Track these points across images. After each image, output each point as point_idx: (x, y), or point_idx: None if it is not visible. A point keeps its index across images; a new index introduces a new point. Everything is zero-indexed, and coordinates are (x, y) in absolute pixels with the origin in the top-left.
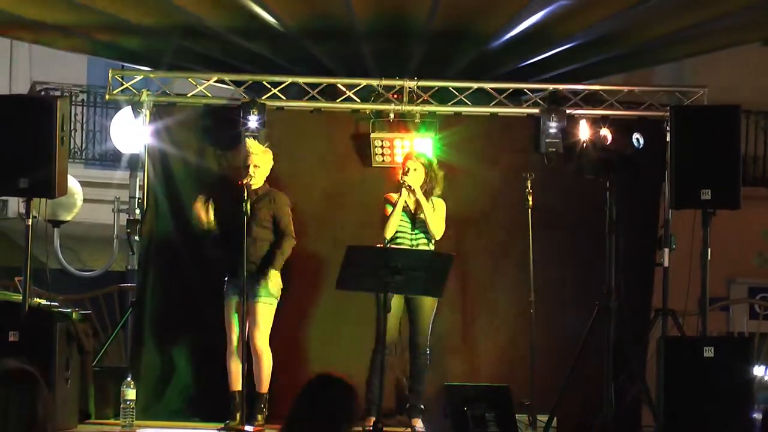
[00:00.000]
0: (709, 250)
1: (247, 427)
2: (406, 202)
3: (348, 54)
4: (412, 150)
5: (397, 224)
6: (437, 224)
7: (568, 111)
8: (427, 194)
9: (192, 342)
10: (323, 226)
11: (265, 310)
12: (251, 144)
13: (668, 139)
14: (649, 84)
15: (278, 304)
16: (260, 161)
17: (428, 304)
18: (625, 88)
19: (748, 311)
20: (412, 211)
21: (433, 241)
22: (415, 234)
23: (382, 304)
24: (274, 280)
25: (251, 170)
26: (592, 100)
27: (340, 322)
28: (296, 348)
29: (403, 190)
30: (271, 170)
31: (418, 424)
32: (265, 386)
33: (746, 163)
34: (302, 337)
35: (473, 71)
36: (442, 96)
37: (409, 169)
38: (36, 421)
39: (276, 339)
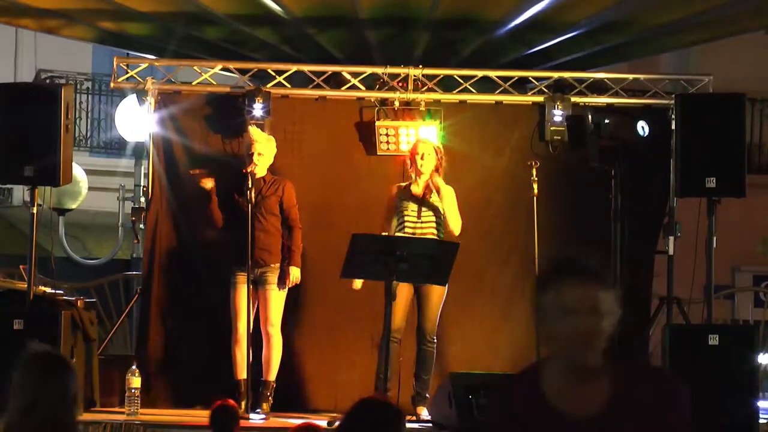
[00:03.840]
0: (714, 238)
1: (251, 416)
2: (413, 189)
3: (353, 42)
4: (419, 137)
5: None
6: (455, 218)
7: (573, 99)
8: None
9: (197, 330)
10: (328, 215)
11: (278, 296)
12: (254, 132)
13: (673, 127)
14: (654, 72)
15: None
16: (264, 149)
17: (437, 292)
18: (630, 76)
19: (753, 299)
20: (420, 199)
21: (441, 231)
22: (422, 222)
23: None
24: (296, 275)
25: (255, 158)
26: (597, 88)
27: (346, 310)
28: (302, 337)
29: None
30: (276, 158)
31: (423, 412)
32: (273, 374)
33: (751, 151)
34: (308, 327)
35: (478, 59)
36: (447, 84)
37: (422, 153)
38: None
39: (281, 328)
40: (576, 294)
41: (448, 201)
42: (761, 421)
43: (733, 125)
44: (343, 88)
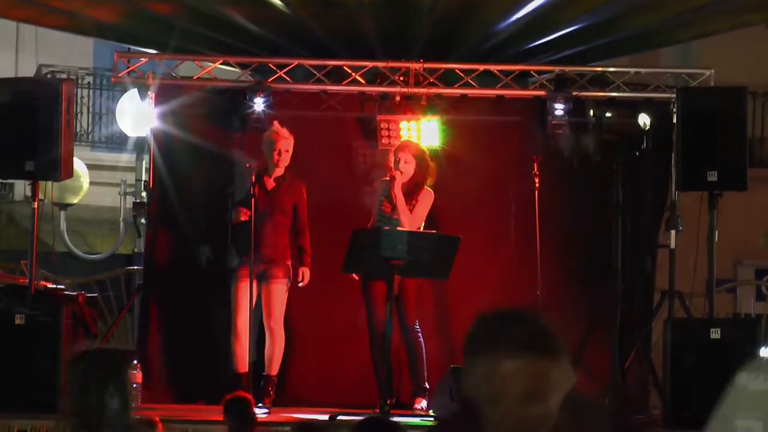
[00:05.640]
0: (716, 232)
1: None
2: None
3: (354, 37)
4: (407, 140)
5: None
6: (409, 224)
7: (574, 93)
8: (419, 185)
9: (199, 325)
10: (328, 209)
11: (282, 291)
12: (279, 129)
13: (674, 120)
14: (655, 66)
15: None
16: (288, 146)
17: (413, 282)
18: (632, 70)
19: (755, 293)
20: (395, 199)
21: None
22: (397, 220)
23: (366, 290)
24: (307, 276)
25: (279, 155)
26: (598, 82)
27: (348, 305)
28: (303, 332)
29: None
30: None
31: (421, 403)
32: (275, 368)
33: (752, 144)
34: (310, 321)
35: (479, 53)
36: (448, 78)
37: (399, 160)
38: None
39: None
40: (515, 373)
41: (421, 202)
42: None
43: (734, 119)
44: (344, 83)
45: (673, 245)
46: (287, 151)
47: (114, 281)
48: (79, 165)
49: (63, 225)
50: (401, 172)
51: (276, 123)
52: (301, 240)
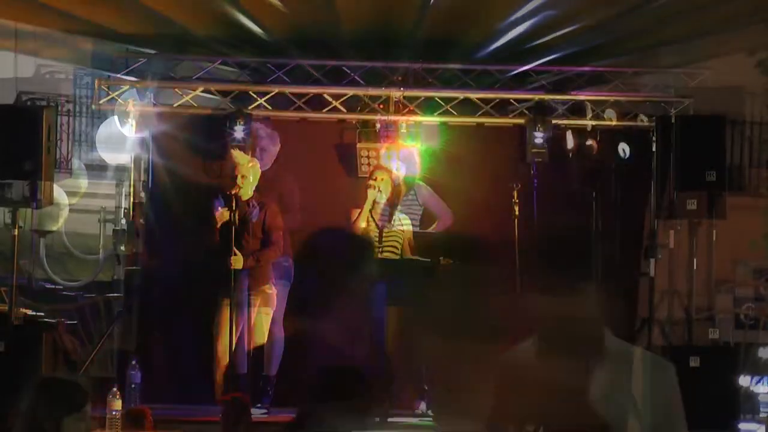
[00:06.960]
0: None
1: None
2: (371, 212)
3: (334, 65)
4: (379, 162)
5: (365, 218)
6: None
7: (554, 121)
8: (396, 198)
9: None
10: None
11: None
12: (237, 155)
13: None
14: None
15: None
16: (247, 171)
17: None
18: (612, 98)
19: (753, 294)
20: (378, 225)
21: (400, 251)
22: (383, 245)
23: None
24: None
25: (238, 181)
26: (578, 110)
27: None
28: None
29: (369, 192)
30: (261, 177)
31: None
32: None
33: (752, 145)
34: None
35: (461, 77)
36: (429, 104)
37: (377, 177)
38: None
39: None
40: None
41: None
42: None
43: (713, 146)
44: (324, 111)
45: (652, 273)
46: (243, 176)
47: (93, 308)
48: (58, 192)
49: (42, 252)
50: (380, 191)
51: (233, 150)
52: (262, 252)
